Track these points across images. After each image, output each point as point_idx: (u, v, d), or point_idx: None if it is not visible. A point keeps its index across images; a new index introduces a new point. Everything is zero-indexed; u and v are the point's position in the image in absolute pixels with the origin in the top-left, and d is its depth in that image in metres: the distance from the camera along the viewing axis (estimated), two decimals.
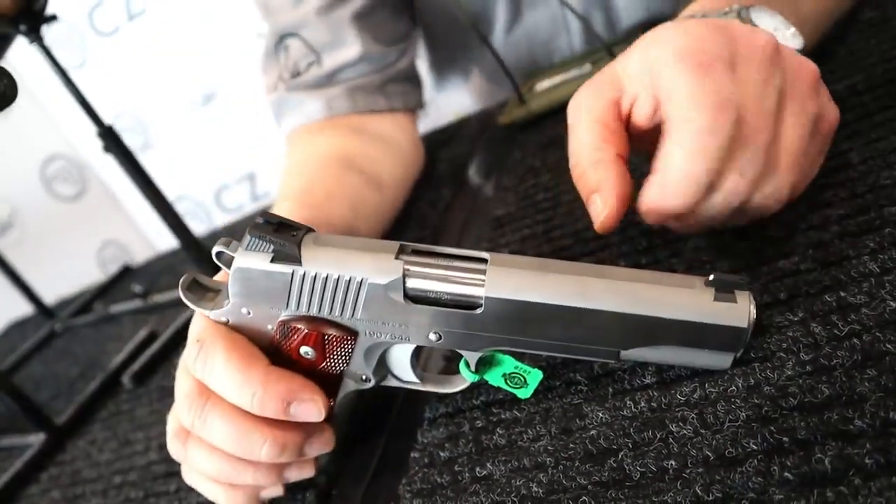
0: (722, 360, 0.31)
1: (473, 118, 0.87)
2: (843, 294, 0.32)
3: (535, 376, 0.36)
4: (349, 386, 0.37)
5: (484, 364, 0.36)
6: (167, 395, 0.63)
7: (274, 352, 0.35)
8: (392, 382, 0.37)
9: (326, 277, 0.32)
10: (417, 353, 0.37)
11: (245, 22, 1.81)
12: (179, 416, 0.36)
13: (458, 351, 0.34)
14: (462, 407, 0.39)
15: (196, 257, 0.75)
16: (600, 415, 0.33)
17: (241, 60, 1.83)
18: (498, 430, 0.36)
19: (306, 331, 0.34)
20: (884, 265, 0.32)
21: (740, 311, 0.30)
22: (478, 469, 0.35)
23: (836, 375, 0.28)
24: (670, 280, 0.31)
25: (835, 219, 0.36)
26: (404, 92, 0.75)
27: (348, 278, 0.32)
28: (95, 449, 0.60)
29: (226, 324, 0.35)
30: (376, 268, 0.32)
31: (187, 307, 0.35)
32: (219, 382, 0.34)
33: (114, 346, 0.82)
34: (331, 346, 0.34)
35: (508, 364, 0.36)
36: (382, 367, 0.36)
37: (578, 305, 0.31)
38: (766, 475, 0.26)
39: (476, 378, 0.35)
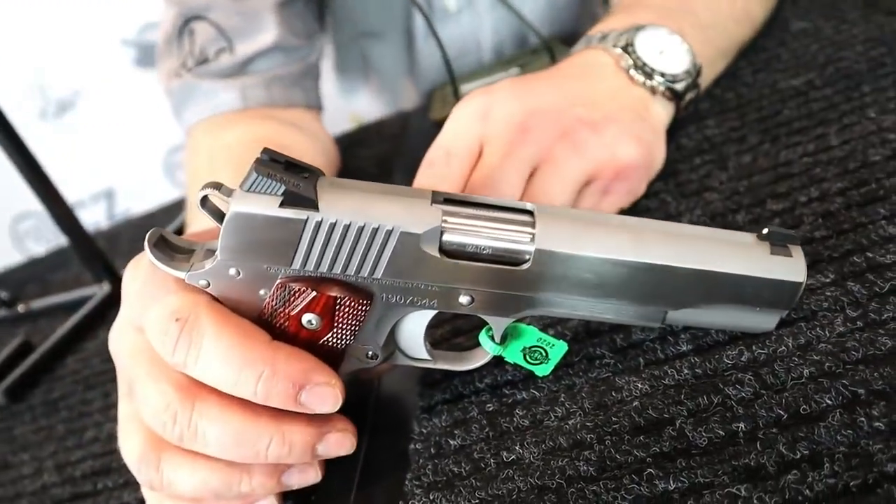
0: (768, 321, 0.30)
1: (391, 119, 0.84)
2: (870, 255, 0.32)
3: (558, 350, 0.32)
4: (351, 365, 0.31)
5: (505, 336, 0.32)
6: (54, 411, 0.53)
7: (265, 325, 0.29)
8: (399, 360, 0.32)
9: (347, 226, 0.27)
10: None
11: (107, 26, 1.68)
12: (155, 430, 0.28)
13: (486, 318, 0.30)
14: (463, 392, 0.35)
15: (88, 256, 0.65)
16: (639, 385, 0.31)
17: (103, 67, 1.69)
18: (516, 411, 0.33)
19: (313, 294, 0.28)
20: None
21: (797, 266, 0.29)
22: (504, 454, 0.31)
23: (891, 328, 0.28)
24: (724, 235, 0.29)
25: (835, 191, 0.37)
26: (316, 89, 0.71)
27: (375, 227, 0.27)
28: None
29: (205, 289, 0.28)
30: (410, 215, 0.27)
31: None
32: (211, 367, 0.27)
33: None
34: (341, 314, 0.29)
35: (530, 336, 0.32)
36: (391, 342, 0.31)
37: (636, 260, 0.28)
38: (854, 427, 0.25)
39: (500, 351, 0.31)
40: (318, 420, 0.29)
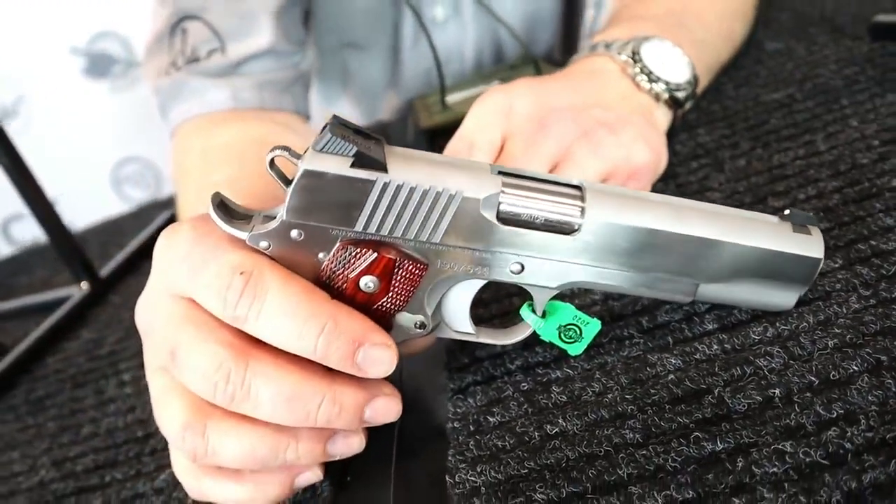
0: (788, 299, 0.32)
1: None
2: (873, 243, 0.35)
3: (592, 328, 0.34)
4: (400, 334, 0.31)
5: (544, 312, 0.33)
6: (41, 409, 0.51)
7: (322, 287, 0.29)
8: (444, 333, 0.33)
9: (413, 189, 0.28)
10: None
11: (56, 33, 1.64)
12: (204, 394, 0.28)
13: (531, 289, 0.32)
14: (494, 374, 0.36)
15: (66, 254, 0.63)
16: (672, 361, 0.33)
17: (49, 75, 1.64)
18: (553, 388, 0.34)
19: (374, 256, 0.28)
20: None
21: (816, 243, 0.31)
22: (547, 427, 0.32)
23: None
24: (751, 214, 0.32)
25: (831, 189, 0.40)
26: (305, 97, 0.71)
27: (440, 190, 0.28)
28: None
29: (265, 251, 0.28)
30: (472, 181, 0.28)
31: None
32: (274, 320, 0.27)
33: None
34: (398, 277, 0.29)
35: (566, 314, 0.33)
36: (437, 314, 0.32)
37: (676, 231, 0.30)
38: (882, 388, 0.27)
39: (541, 324, 0.33)
40: (367, 383, 0.30)
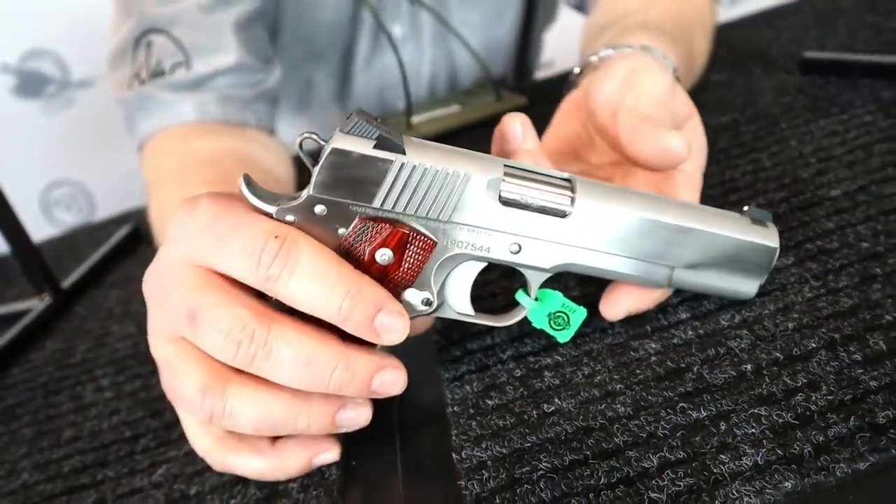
0: (751, 286, 0.37)
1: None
2: (819, 243, 0.40)
3: (579, 315, 0.37)
4: (408, 311, 0.34)
5: (536, 298, 0.37)
6: (12, 417, 0.50)
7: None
8: (446, 313, 0.36)
9: (427, 170, 0.31)
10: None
11: None
12: (225, 355, 0.29)
13: (527, 271, 0.35)
14: (487, 363, 0.39)
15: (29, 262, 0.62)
16: (652, 345, 0.36)
17: None
18: (545, 373, 0.37)
19: (390, 229, 0.32)
20: (839, 224, 0.41)
21: (772, 234, 0.36)
22: (545, 406, 0.35)
23: (848, 291, 0.36)
24: (717, 210, 0.36)
25: (778, 199, 0.45)
26: (269, 113, 0.72)
27: (451, 172, 0.32)
28: None
29: (291, 221, 0.31)
30: (480, 166, 0.32)
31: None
32: (305, 280, 0.29)
33: None
34: (411, 250, 0.32)
35: (556, 301, 0.37)
36: (441, 294, 0.35)
37: (656, 218, 0.34)
38: (838, 360, 0.32)
39: (535, 306, 0.36)
40: (377, 354, 0.32)
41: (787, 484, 0.27)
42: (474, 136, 0.73)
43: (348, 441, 0.37)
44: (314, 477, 0.35)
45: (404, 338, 0.31)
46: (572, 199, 0.34)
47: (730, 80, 0.66)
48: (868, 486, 0.26)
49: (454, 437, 0.35)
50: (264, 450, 0.32)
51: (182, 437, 0.41)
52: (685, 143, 0.36)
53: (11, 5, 1.59)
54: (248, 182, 0.31)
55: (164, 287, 0.31)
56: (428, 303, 0.34)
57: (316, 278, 0.29)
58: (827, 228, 0.41)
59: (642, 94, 0.39)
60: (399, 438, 0.37)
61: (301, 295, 0.29)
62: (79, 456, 0.43)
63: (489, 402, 0.36)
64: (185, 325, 0.30)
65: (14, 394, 0.53)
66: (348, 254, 0.32)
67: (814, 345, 0.33)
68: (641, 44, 0.47)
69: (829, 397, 0.30)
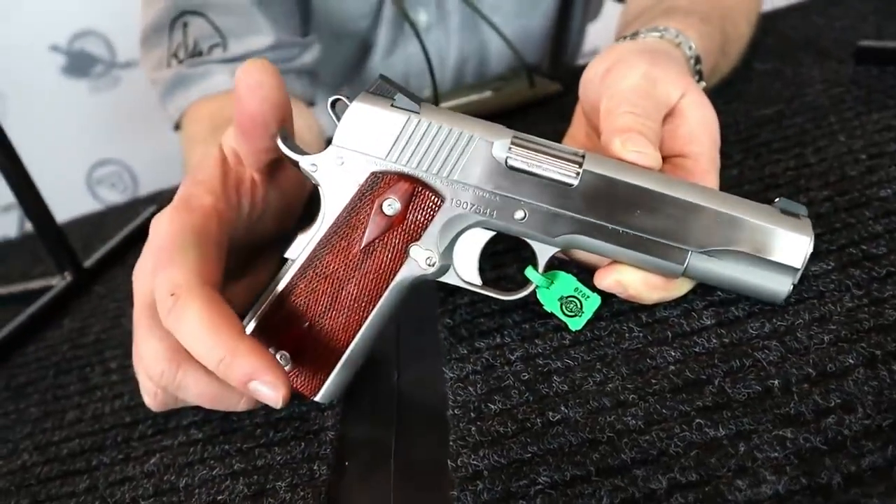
0: (779, 285, 0.33)
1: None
2: (864, 248, 0.36)
3: (592, 302, 0.35)
4: (410, 270, 0.35)
5: (547, 269, 0.36)
6: (22, 396, 0.50)
7: (353, 207, 0.35)
8: (451, 279, 0.36)
9: (438, 129, 0.34)
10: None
11: (35, 30, 1.63)
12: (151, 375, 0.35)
13: (534, 242, 0.35)
14: (494, 364, 0.37)
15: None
16: (671, 353, 0.33)
17: (27, 72, 1.63)
18: (554, 378, 0.34)
19: (399, 182, 0.34)
20: (887, 227, 0.37)
21: (805, 227, 0.33)
22: (550, 414, 0.32)
23: (895, 302, 0.32)
24: (739, 197, 0.34)
25: (822, 198, 0.42)
26: (304, 87, 0.71)
27: (459, 132, 0.34)
28: None
29: (312, 172, 0.35)
30: (489, 129, 0.34)
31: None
32: (188, 338, 0.32)
33: None
34: (416, 203, 0.34)
35: (568, 285, 0.35)
36: (448, 256, 0.36)
37: (666, 192, 0.33)
38: (878, 380, 0.28)
39: (543, 282, 0.35)
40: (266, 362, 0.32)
41: None
42: (505, 123, 0.70)
43: (343, 440, 0.36)
44: (303, 476, 0.34)
45: (280, 402, 0.32)
46: (579, 171, 0.33)
47: (776, 69, 0.61)
48: None
49: (451, 443, 0.33)
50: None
51: (178, 427, 0.40)
52: (652, 155, 0.34)
53: None
54: (284, 136, 0.35)
55: (135, 285, 0.38)
56: (431, 262, 0.35)
57: (196, 339, 0.32)
58: (874, 232, 0.37)
59: (615, 93, 0.38)
60: (395, 438, 0.35)
61: (188, 346, 0.32)
62: (78, 439, 0.43)
63: (492, 407, 0.34)
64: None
65: (27, 372, 0.53)
66: (360, 202, 0.35)
67: (851, 361, 0.30)
68: (658, 28, 0.47)
69: (866, 421, 0.27)
